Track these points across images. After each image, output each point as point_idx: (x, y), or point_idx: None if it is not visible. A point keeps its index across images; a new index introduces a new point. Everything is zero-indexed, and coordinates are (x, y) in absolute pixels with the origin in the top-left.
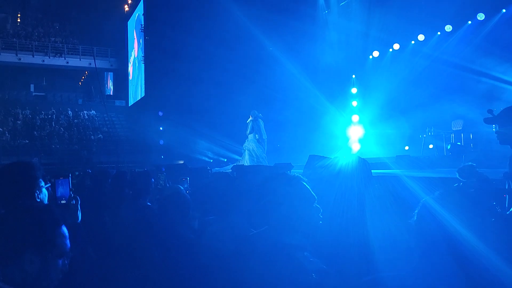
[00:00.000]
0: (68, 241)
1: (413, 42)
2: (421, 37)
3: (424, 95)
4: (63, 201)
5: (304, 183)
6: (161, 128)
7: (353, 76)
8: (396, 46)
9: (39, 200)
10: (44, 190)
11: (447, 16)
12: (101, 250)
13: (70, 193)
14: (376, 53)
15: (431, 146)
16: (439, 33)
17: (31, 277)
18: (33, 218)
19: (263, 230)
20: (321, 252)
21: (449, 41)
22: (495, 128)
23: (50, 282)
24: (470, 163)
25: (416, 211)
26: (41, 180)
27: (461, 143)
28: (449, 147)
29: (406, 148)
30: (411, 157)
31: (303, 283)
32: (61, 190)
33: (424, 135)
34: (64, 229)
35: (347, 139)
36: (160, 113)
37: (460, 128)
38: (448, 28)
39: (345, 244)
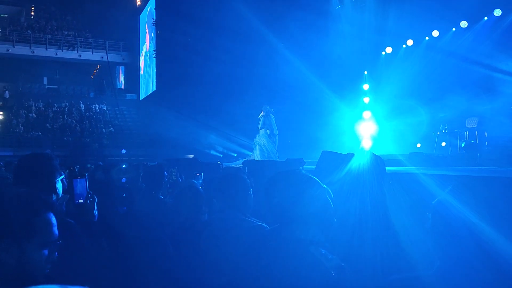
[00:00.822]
0: (55, 229)
1: (427, 38)
2: (435, 33)
3: (438, 92)
4: (80, 201)
5: (318, 181)
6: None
7: (365, 72)
8: (410, 42)
9: (57, 191)
10: (60, 182)
11: (462, 11)
12: (114, 243)
13: (87, 192)
14: (389, 49)
15: (443, 143)
16: (454, 29)
17: (9, 267)
18: (9, 204)
19: (277, 227)
20: (337, 249)
21: (465, 37)
22: None
23: (32, 273)
24: None
25: (429, 214)
26: (58, 172)
27: (475, 141)
28: (463, 145)
29: (418, 145)
30: (424, 154)
31: (322, 280)
32: (78, 189)
33: (438, 133)
34: (50, 217)
35: (358, 135)
36: (123, 151)
37: (475, 126)
38: (464, 24)
39: (360, 242)
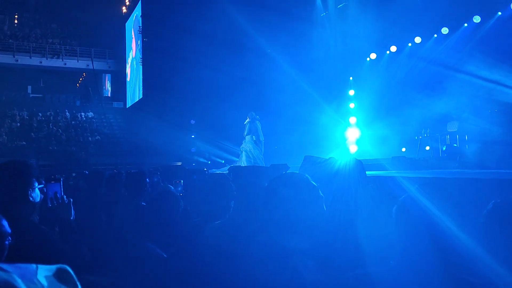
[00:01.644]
0: None
1: (410, 44)
2: (418, 39)
3: (420, 97)
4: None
5: (313, 182)
6: (192, 136)
7: (351, 78)
8: (393, 48)
9: (31, 199)
10: (37, 190)
11: (443, 18)
12: (96, 249)
13: (61, 196)
14: (373, 55)
15: (427, 147)
16: (435, 35)
17: None
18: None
19: (263, 231)
20: (317, 253)
21: (446, 43)
22: None
23: None
24: None
25: (394, 208)
26: (34, 180)
27: (456, 144)
28: (444, 148)
29: (403, 150)
30: (407, 158)
31: None
32: (51, 194)
33: (420, 137)
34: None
35: (344, 140)
36: (193, 122)
37: (456, 130)
38: (445, 30)
39: (338, 244)
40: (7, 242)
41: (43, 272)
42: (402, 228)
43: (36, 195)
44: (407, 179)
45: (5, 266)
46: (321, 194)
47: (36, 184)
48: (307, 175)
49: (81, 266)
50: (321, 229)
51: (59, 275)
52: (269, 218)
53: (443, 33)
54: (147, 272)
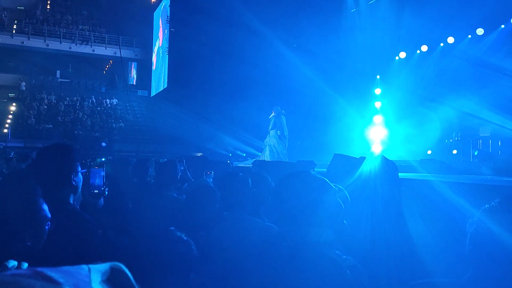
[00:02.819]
0: None
1: (442, 44)
2: (450, 40)
3: (451, 99)
4: (95, 191)
5: (328, 181)
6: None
7: (378, 76)
8: (424, 48)
9: (74, 183)
10: (80, 175)
11: (479, 19)
12: (122, 236)
13: (103, 182)
14: (403, 54)
15: (454, 151)
16: (470, 36)
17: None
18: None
19: (288, 229)
20: (350, 252)
21: (480, 44)
22: None
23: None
24: None
25: (474, 219)
26: (78, 164)
27: (489, 149)
28: (476, 153)
29: (429, 152)
30: (436, 161)
31: (338, 279)
32: (94, 179)
33: (450, 140)
34: None
35: (368, 139)
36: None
37: (488, 134)
38: (480, 31)
39: (372, 246)
40: (47, 227)
41: (97, 276)
42: (479, 245)
43: (79, 179)
44: (447, 184)
45: (54, 274)
46: (333, 186)
47: (80, 169)
48: (313, 172)
49: (106, 250)
50: (340, 220)
51: (115, 278)
52: (281, 214)
53: (478, 34)
54: (174, 267)
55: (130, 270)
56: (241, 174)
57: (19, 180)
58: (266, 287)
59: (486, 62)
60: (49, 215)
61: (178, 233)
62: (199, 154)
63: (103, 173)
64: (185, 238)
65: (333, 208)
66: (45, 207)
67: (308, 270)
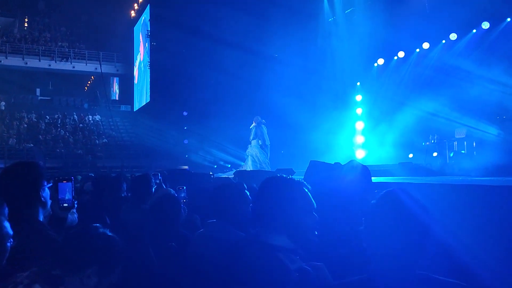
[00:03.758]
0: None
1: (418, 50)
2: (426, 45)
3: (428, 102)
4: (65, 204)
5: (305, 189)
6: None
7: (358, 83)
8: (401, 54)
9: (43, 199)
10: (47, 189)
11: (452, 24)
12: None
13: (72, 196)
14: (381, 61)
15: (435, 154)
16: (444, 41)
17: None
18: (107, 242)
19: (253, 233)
20: (313, 256)
21: (454, 49)
22: None
23: None
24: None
25: (363, 218)
26: (44, 180)
27: (464, 151)
28: (451, 154)
29: (410, 156)
30: (414, 164)
31: (284, 281)
32: (63, 193)
33: (427, 143)
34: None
35: (351, 146)
36: (185, 113)
37: (463, 136)
38: (453, 36)
39: (338, 249)
40: (9, 244)
41: None
42: (369, 240)
43: (47, 194)
44: (413, 185)
45: None
46: (313, 201)
47: (46, 184)
48: (305, 184)
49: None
50: (315, 237)
51: None
52: (256, 218)
53: (451, 39)
54: (144, 277)
55: None
56: (232, 185)
57: None
58: None
59: (459, 67)
60: (11, 232)
61: (101, 229)
62: (185, 167)
63: (71, 187)
64: (108, 234)
65: (303, 216)
66: (7, 224)
67: (258, 272)
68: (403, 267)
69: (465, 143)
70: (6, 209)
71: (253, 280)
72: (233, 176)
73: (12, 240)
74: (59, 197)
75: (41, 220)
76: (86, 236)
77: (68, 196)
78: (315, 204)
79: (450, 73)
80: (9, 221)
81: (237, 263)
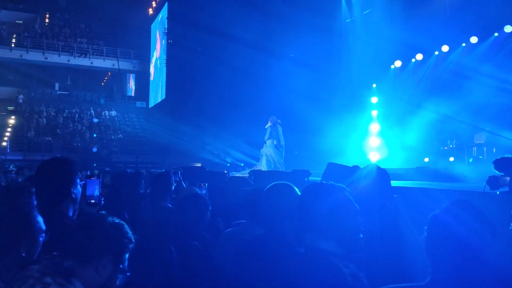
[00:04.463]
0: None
1: (436, 52)
2: (445, 48)
3: (446, 106)
4: (92, 201)
5: (347, 194)
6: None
7: (374, 85)
8: (419, 56)
9: (73, 196)
10: (78, 187)
11: (473, 27)
12: None
13: (100, 193)
14: (398, 63)
15: (451, 159)
16: (464, 44)
17: (100, 279)
18: (118, 231)
19: (297, 235)
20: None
21: (474, 52)
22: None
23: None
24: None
25: (425, 227)
26: (77, 177)
27: (483, 157)
28: (471, 160)
29: (426, 160)
30: (431, 169)
31: (339, 286)
32: (91, 190)
33: (445, 147)
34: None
35: (365, 148)
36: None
37: (483, 142)
38: (474, 39)
39: (370, 254)
40: (41, 239)
41: None
42: (433, 247)
43: (78, 191)
44: (432, 191)
45: None
46: (356, 205)
47: (78, 181)
48: (346, 189)
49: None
50: (360, 241)
51: None
52: (303, 225)
53: (472, 42)
54: (164, 275)
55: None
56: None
57: (14, 192)
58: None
59: (480, 70)
60: (44, 227)
61: (110, 218)
62: (198, 165)
63: (99, 184)
64: (116, 221)
65: (345, 223)
66: (40, 219)
67: (312, 276)
68: (465, 281)
69: (484, 149)
70: (35, 202)
71: (305, 283)
72: (248, 175)
73: (44, 235)
74: (87, 194)
75: (71, 216)
76: (99, 225)
77: (96, 192)
78: (358, 207)
79: (470, 77)
80: (41, 216)
81: (290, 269)
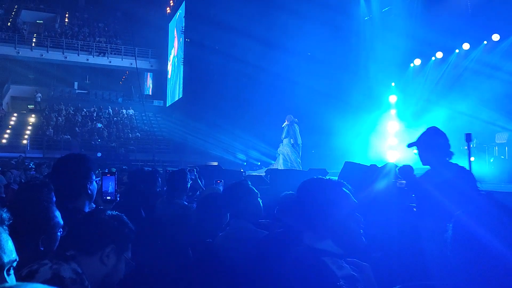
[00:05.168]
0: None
1: (457, 50)
2: (466, 46)
3: (466, 105)
4: (108, 197)
5: (345, 189)
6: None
7: (393, 84)
8: (439, 55)
9: (89, 192)
10: (94, 183)
11: (494, 24)
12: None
13: (115, 190)
14: (417, 61)
15: (472, 158)
16: (485, 42)
17: (105, 269)
18: (119, 221)
19: (292, 233)
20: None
21: (496, 50)
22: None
23: (118, 277)
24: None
25: (450, 224)
26: (92, 173)
27: (504, 157)
28: (491, 160)
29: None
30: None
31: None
32: (107, 186)
33: (465, 147)
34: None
35: (383, 147)
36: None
37: (505, 141)
38: (496, 37)
39: (372, 252)
40: (59, 234)
41: None
42: (458, 246)
43: (94, 187)
44: None
45: None
46: (355, 200)
47: (94, 177)
48: (346, 185)
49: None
50: (362, 242)
51: None
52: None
53: (493, 40)
54: (179, 272)
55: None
56: (247, 183)
57: (34, 188)
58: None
59: (502, 69)
60: (62, 222)
61: (109, 211)
62: (214, 163)
63: (115, 180)
64: (114, 213)
65: (343, 221)
66: (58, 214)
67: (301, 276)
68: (488, 281)
69: (506, 148)
70: (54, 198)
71: (295, 284)
72: (264, 174)
73: (62, 230)
74: (103, 190)
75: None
76: (99, 217)
77: (111, 189)
78: (356, 202)
79: (491, 75)
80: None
81: (278, 267)
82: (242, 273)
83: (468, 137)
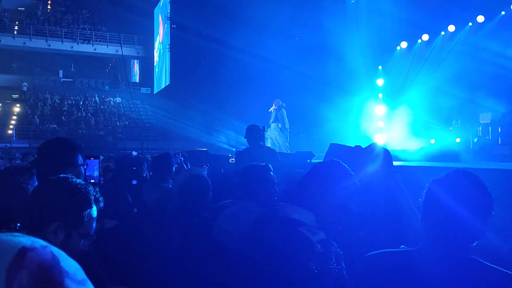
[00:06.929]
0: (94, 224)
1: (443, 33)
2: (451, 28)
3: (452, 87)
4: (92, 181)
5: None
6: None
7: (380, 67)
8: (425, 37)
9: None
10: (80, 168)
11: (479, 6)
12: (124, 228)
13: (99, 173)
14: (404, 44)
15: (458, 139)
16: (470, 23)
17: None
18: (69, 193)
19: (276, 209)
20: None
21: (481, 31)
22: None
23: (72, 254)
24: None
25: (424, 190)
26: (78, 157)
27: (489, 137)
28: (475, 140)
29: (432, 141)
30: (435, 149)
31: (306, 253)
32: (91, 170)
33: (451, 128)
34: (94, 211)
35: (371, 130)
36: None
37: (488, 121)
38: (481, 18)
39: (357, 231)
40: None
41: None
42: (428, 213)
43: (78, 172)
44: (436, 169)
45: None
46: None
47: (81, 162)
48: (345, 165)
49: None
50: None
51: None
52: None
53: (478, 21)
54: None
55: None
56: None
57: (17, 173)
58: (252, 262)
59: (486, 49)
60: None
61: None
62: (204, 149)
63: (98, 164)
64: (73, 183)
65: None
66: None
67: (281, 244)
68: (457, 248)
69: (489, 128)
70: (36, 183)
71: (277, 254)
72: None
73: None
74: (87, 174)
75: None
76: (47, 192)
77: (95, 173)
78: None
79: (477, 57)
80: None
81: (259, 238)
82: (240, 252)
83: None
